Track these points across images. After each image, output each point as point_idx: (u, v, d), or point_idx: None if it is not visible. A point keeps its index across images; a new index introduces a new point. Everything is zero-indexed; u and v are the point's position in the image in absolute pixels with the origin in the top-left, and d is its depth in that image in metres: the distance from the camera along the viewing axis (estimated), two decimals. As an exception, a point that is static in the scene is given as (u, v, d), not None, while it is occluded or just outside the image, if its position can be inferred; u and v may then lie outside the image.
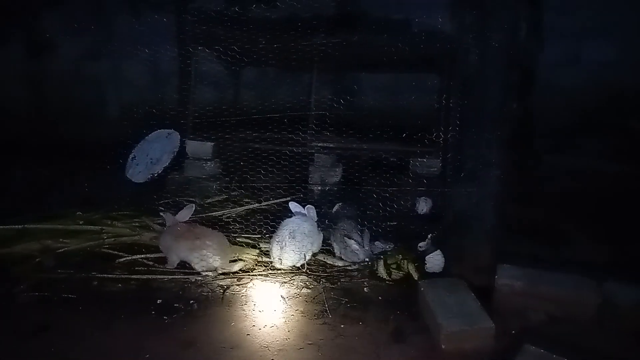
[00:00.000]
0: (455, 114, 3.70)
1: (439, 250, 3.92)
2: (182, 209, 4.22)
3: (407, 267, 3.94)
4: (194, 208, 4.24)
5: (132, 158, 6.60)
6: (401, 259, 4.00)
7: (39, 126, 6.93)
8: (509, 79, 3.65)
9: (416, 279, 3.83)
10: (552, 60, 5.77)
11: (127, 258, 4.14)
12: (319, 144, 5.95)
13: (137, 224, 4.61)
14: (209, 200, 5.62)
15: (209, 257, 3.90)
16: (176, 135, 6.54)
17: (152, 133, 6.71)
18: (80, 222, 4.58)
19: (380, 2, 6.24)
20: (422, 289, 3.51)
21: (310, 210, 4.35)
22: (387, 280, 3.92)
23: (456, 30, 3.73)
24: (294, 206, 4.41)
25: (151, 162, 6.45)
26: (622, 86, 5.84)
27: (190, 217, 4.26)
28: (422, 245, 4.10)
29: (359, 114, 6.15)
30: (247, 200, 5.56)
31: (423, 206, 4.98)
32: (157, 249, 4.19)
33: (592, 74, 5.78)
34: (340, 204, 4.90)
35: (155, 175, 6.27)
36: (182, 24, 6.51)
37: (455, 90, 3.73)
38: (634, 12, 5.78)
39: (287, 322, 3.34)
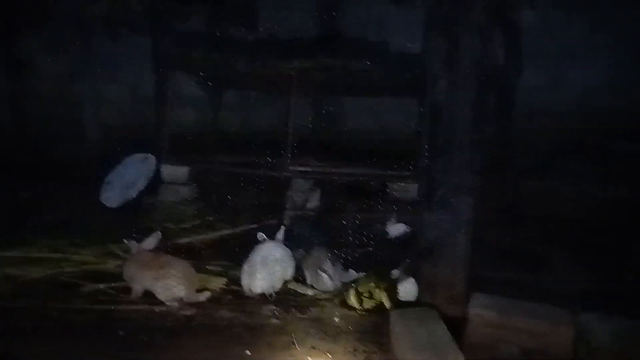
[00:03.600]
0: (426, 140, 3.63)
1: (412, 278, 3.81)
2: (150, 235, 4.08)
3: (380, 296, 3.83)
4: (160, 236, 4.09)
5: (107, 182, 6.49)
6: (374, 287, 3.88)
7: (12, 147, 6.80)
8: (481, 104, 3.61)
9: (388, 307, 3.71)
10: (531, 83, 5.77)
11: (90, 287, 3.98)
12: (297, 168, 5.87)
13: (102, 252, 4.47)
14: (182, 225, 5.49)
15: (174, 286, 3.76)
16: (152, 159, 6.45)
17: (128, 157, 6.62)
18: (45, 250, 4.43)
19: (356, 28, 6.26)
20: (392, 319, 3.39)
21: (280, 234, 4.24)
22: (359, 309, 3.79)
23: (426, 55, 3.69)
24: (260, 236, 4.29)
25: (126, 186, 6.34)
26: (603, 108, 5.85)
27: (159, 244, 4.14)
28: (395, 272, 3.99)
29: (337, 137, 6.12)
30: (221, 225, 5.45)
31: (394, 230, 4.88)
32: (122, 278, 4.04)
33: (572, 96, 5.79)
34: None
35: (130, 199, 6.15)
36: (160, 47, 6.47)
37: (426, 115, 3.67)
38: (615, 35, 5.84)
39: (254, 354, 3.20)
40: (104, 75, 7.00)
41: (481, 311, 3.31)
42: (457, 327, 3.28)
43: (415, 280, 3.81)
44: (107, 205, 6.17)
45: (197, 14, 6.72)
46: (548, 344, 3.12)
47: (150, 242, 4.01)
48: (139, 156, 6.57)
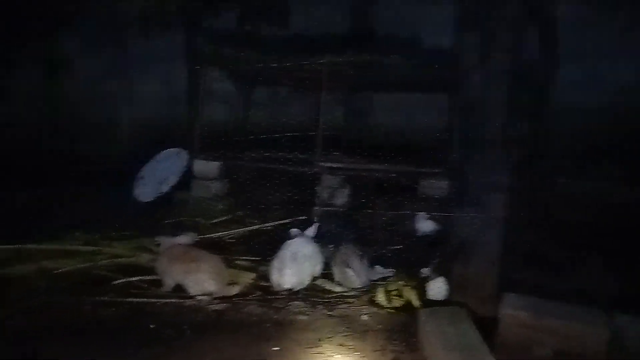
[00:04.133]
0: (458, 136, 3.56)
1: (442, 277, 3.75)
2: (183, 230, 4.13)
3: (409, 294, 3.78)
4: (195, 236, 4.13)
5: (140, 177, 6.61)
6: (403, 285, 3.83)
7: (50, 144, 6.99)
8: (516, 101, 3.51)
9: (417, 306, 3.66)
10: (567, 81, 5.58)
11: (122, 280, 4.06)
12: (326, 165, 5.85)
13: (135, 245, 4.55)
14: (213, 220, 5.55)
15: (204, 280, 3.80)
16: (184, 155, 6.54)
17: (161, 152, 6.73)
18: (79, 243, 4.53)
19: (389, 23, 6.18)
20: (422, 318, 3.35)
21: (312, 230, 4.23)
22: (387, 307, 3.75)
23: (459, 50, 3.62)
24: (294, 232, 4.29)
25: (159, 181, 6.44)
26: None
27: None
28: (424, 271, 3.94)
29: (366, 134, 6.07)
30: (251, 220, 5.48)
31: (423, 227, 4.80)
32: (153, 271, 4.11)
33: (609, 95, 5.56)
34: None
35: (163, 194, 6.25)
36: (193, 44, 6.54)
37: (458, 112, 3.60)
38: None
39: (281, 350, 3.20)
40: (138, 73, 7.10)
41: (513, 311, 3.22)
42: (488, 327, 3.20)
43: (446, 279, 3.75)
44: (140, 200, 6.28)
45: (228, 10, 6.76)
46: (582, 346, 3.02)
47: (184, 239, 4.05)
48: (171, 151, 6.67)
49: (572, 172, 5.28)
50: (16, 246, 4.37)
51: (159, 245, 4.07)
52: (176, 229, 4.25)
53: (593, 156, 5.25)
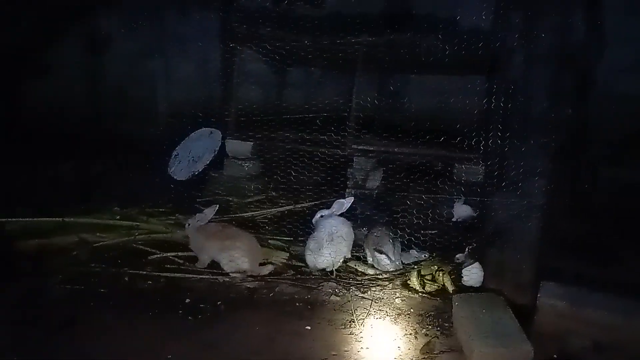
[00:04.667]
0: (498, 119, 3.47)
1: (477, 263, 3.69)
2: (205, 209, 4.15)
3: (443, 280, 3.74)
4: (216, 207, 4.14)
5: (174, 155, 6.69)
6: (436, 270, 3.80)
7: (86, 121, 7.11)
8: (560, 84, 3.39)
9: (451, 292, 3.63)
10: (614, 65, 5.34)
11: (159, 255, 4.15)
12: (359, 147, 5.79)
13: (171, 222, 4.63)
14: (246, 200, 5.59)
15: (238, 258, 3.84)
16: (218, 134, 6.57)
17: (195, 131, 6.78)
18: (117, 217, 4.64)
19: (425, 2, 6.02)
20: (456, 303, 3.32)
21: (346, 203, 4.21)
22: (421, 292, 3.72)
23: (502, 29, 3.50)
24: (338, 205, 4.26)
25: (193, 160, 6.51)
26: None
27: (222, 217, 4.22)
28: (459, 256, 3.89)
29: (401, 116, 5.97)
30: (283, 201, 5.50)
31: (460, 212, 4.73)
32: (188, 248, 4.18)
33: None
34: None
35: (197, 173, 6.31)
36: (227, 23, 6.51)
37: (498, 93, 3.50)
38: None
39: (313, 330, 3.23)
40: (173, 52, 7.13)
41: (552, 300, 3.16)
42: (524, 315, 3.16)
43: (481, 265, 3.69)
44: (175, 177, 6.36)
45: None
46: (622, 339, 2.95)
47: (206, 215, 4.08)
48: (205, 130, 6.70)
49: (616, 159, 5.10)
50: (57, 219, 4.48)
51: (188, 225, 4.08)
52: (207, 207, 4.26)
53: (637, 144, 5.05)
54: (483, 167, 4.78)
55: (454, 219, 4.87)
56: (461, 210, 4.82)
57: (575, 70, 4.63)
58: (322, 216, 4.23)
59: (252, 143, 6.19)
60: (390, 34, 5.40)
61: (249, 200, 5.60)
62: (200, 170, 6.29)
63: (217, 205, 4.16)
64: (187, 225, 4.08)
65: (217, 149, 6.41)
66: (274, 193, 5.69)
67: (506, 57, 3.59)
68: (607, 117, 5.09)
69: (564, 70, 3.43)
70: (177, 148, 6.72)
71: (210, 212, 4.07)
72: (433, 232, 4.35)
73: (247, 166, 6.18)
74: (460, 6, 5.46)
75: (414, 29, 5.35)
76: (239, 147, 6.26)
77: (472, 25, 5.11)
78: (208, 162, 6.34)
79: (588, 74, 5.11)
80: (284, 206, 5.32)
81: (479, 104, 4.42)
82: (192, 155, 6.56)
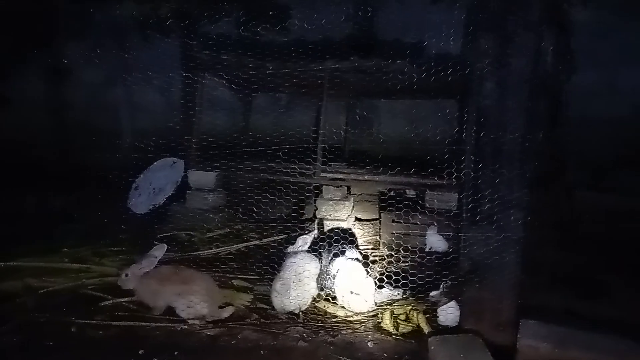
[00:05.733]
0: (470, 148, 3.29)
1: (453, 302, 3.47)
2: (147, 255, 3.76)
3: (417, 319, 3.50)
4: (164, 249, 3.81)
5: (134, 187, 6.36)
6: (410, 309, 3.56)
7: (45, 151, 6.77)
8: (533, 109, 3.24)
9: (427, 333, 3.38)
10: (586, 88, 5.28)
11: (111, 302, 3.80)
12: (329, 175, 5.58)
13: (125, 263, 4.28)
14: (209, 235, 5.29)
15: (197, 304, 3.53)
16: (180, 164, 6.29)
17: (157, 162, 6.47)
18: (66, 260, 4.28)
19: (393, 26, 5.92)
20: (432, 347, 3.08)
21: (309, 238, 3.96)
22: (394, 334, 3.47)
23: (472, 55, 3.35)
24: (302, 242, 4.01)
25: (154, 191, 6.19)
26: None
27: (182, 256, 3.93)
28: (434, 294, 3.65)
29: (370, 143, 5.81)
30: (250, 235, 5.23)
31: (432, 241, 4.52)
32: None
33: (631, 102, 5.25)
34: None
35: (157, 205, 5.99)
36: (188, 50, 6.30)
37: (470, 121, 3.32)
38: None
39: (280, 381, 2.95)
40: (133, 80, 6.87)
41: (533, 342, 2.96)
42: (505, 358, 2.94)
43: (458, 303, 3.46)
44: (135, 211, 6.03)
45: (226, 16, 6.54)
46: (611, 384, 2.75)
47: (152, 260, 3.72)
48: (167, 161, 6.41)
49: (595, 185, 4.98)
50: (2, 263, 4.12)
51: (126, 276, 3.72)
52: (168, 243, 3.95)
53: (616, 168, 4.95)
54: (456, 195, 4.60)
55: (426, 249, 4.66)
56: (434, 240, 4.61)
57: (548, 95, 4.54)
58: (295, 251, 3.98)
59: (216, 174, 5.93)
60: (357, 59, 5.26)
61: (213, 234, 5.29)
62: (161, 202, 5.97)
63: (165, 246, 3.82)
64: (123, 275, 3.69)
65: (180, 180, 6.11)
66: (240, 226, 5.41)
67: (477, 82, 3.43)
68: (580, 142, 5.00)
69: (537, 96, 3.28)
70: (137, 180, 6.40)
71: (158, 253, 3.74)
72: (405, 266, 4.11)
73: (211, 197, 5.91)
74: (429, 29, 5.36)
75: (381, 54, 5.23)
76: (202, 178, 5.98)
77: (440, 50, 4.99)
78: (170, 194, 6.03)
79: (561, 98, 5.04)
80: (250, 241, 5.03)
81: (451, 130, 4.27)
82: (153, 186, 6.24)
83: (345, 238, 4.29)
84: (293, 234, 4.86)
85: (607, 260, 4.13)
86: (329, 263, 3.96)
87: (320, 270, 3.91)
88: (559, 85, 4.92)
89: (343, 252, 4.07)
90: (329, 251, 4.08)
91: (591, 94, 5.19)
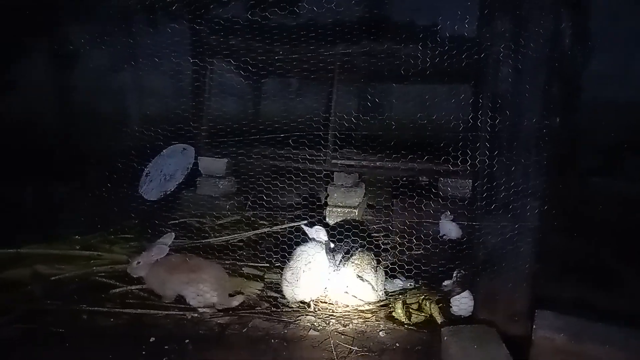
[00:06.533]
0: (485, 135, 3.19)
1: (467, 291, 3.40)
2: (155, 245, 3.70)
3: (430, 309, 3.45)
4: (173, 236, 3.78)
5: (145, 174, 6.34)
6: (423, 299, 3.50)
7: (50, 138, 6.75)
8: (550, 94, 3.13)
9: (439, 323, 3.33)
10: (603, 72, 5.12)
11: (121, 289, 3.79)
12: (340, 162, 5.50)
13: (135, 250, 4.27)
14: (220, 222, 5.26)
15: (206, 292, 3.51)
16: (191, 151, 6.25)
17: (167, 148, 6.44)
18: (77, 247, 4.28)
19: (406, 8, 5.79)
20: (445, 338, 3.02)
21: (320, 233, 3.89)
22: (406, 323, 3.42)
23: (487, 38, 3.24)
24: (310, 231, 3.95)
25: (165, 178, 6.17)
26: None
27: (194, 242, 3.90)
28: (447, 284, 3.59)
29: (383, 129, 5.71)
30: (260, 222, 5.19)
31: (447, 228, 4.44)
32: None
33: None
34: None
35: (168, 192, 5.97)
36: (197, 35, 6.20)
37: (485, 106, 3.23)
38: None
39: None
40: (143, 65, 6.80)
41: (548, 333, 2.89)
42: (519, 349, 2.88)
43: (472, 293, 3.40)
44: (146, 198, 6.01)
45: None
46: (629, 377, 2.68)
47: (162, 248, 3.68)
48: (177, 147, 6.38)
49: (613, 170, 4.85)
50: (12, 250, 4.12)
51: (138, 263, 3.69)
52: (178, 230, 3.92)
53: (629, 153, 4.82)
54: (470, 182, 4.51)
55: (439, 235, 4.59)
56: (448, 227, 4.54)
57: (565, 79, 4.39)
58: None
59: (226, 160, 5.88)
60: (369, 43, 5.14)
61: (224, 221, 5.26)
62: (172, 189, 5.95)
63: (173, 234, 3.79)
64: (135, 263, 3.65)
65: (190, 166, 6.08)
66: (249, 213, 5.37)
67: (491, 67, 3.32)
68: (597, 127, 4.86)
69: (554, 80, 3.17)
70: (148, 166, 6.37)
71: (168, 241, 3.71)
72: (418, 254, 4.04)
73: (221, 184, 5.87)
74: (443, 12, 5.21)
75: (394, 37, 5.11)
76: (212, 164, 5.94)
77: (455, 33, 4.86)
78: (181, 180, 6.01)
79: (577, 82, 4.89)
80: (261, 228, 4.99)
81: (465, 116, 4.16)
82: (164, 173, 6.22)
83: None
84: (302, 221, 4.80)
85: (622, 248, 4.04)
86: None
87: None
88: (577, 69, 4.77)
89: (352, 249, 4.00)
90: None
91: (608, 77, 5.04)
